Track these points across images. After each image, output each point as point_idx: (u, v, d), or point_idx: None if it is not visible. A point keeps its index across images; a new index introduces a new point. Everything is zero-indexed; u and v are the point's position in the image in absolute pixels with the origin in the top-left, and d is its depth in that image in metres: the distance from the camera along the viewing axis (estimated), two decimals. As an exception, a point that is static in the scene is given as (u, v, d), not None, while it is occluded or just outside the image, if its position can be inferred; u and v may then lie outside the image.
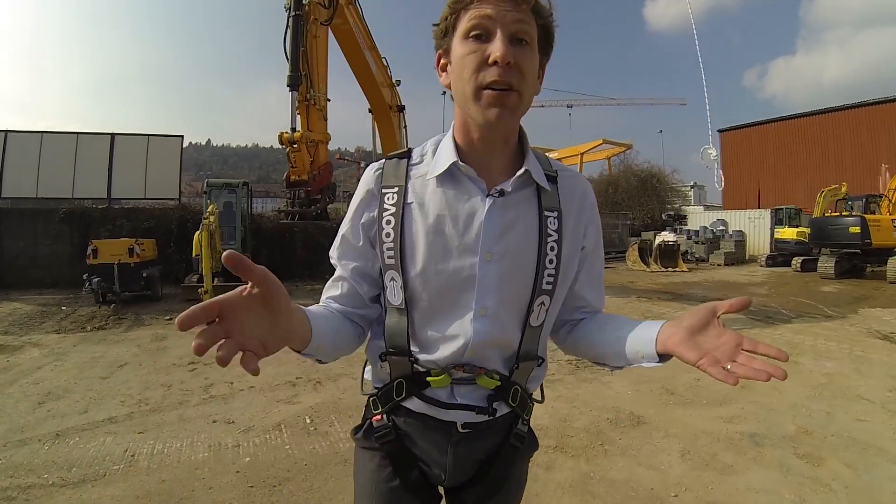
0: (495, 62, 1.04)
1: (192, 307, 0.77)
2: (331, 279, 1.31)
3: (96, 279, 11.10)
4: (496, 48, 1.04)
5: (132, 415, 4.93)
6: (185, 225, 15.12)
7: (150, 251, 13.00)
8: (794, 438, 4.32)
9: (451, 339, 1.19)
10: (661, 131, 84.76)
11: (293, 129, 8.46)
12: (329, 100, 8.99)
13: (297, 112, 8.69)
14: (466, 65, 1.07)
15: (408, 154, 1.29)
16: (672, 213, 31.91)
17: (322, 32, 8.92)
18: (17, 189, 16.67)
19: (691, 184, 47.05)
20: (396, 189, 1.22)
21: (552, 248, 1.19)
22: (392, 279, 1.21)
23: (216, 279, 12.43)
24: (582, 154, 40.83)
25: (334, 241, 1.33)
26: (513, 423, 1.30)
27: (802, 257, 19.31)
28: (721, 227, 27.12)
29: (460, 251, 1.17)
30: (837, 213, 18.49)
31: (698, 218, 31.35)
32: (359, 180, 1.32)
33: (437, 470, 1.28)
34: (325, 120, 9.09)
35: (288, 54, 8.27)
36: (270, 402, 5.27)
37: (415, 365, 1.22)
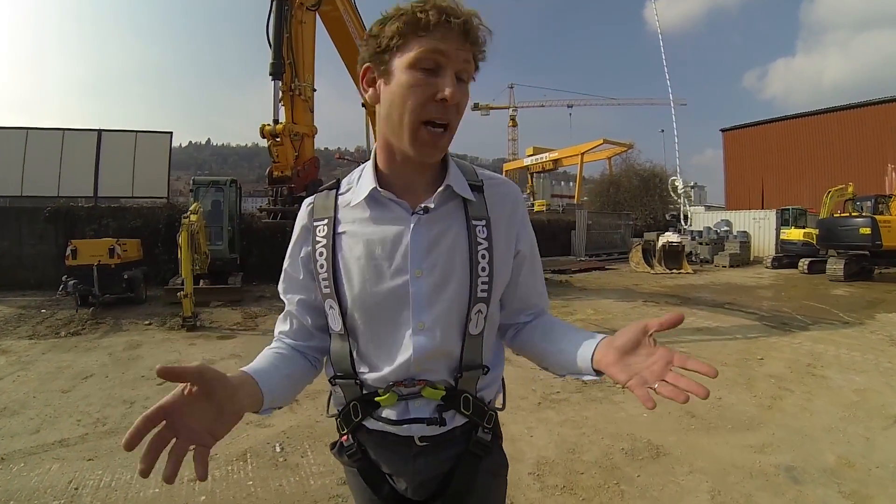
0: (443, 100, 1.08)
1: (135, 423, 0.82)
2: (281, 314, 1.36)
3: (72, 281, 10.64)
4: (446, 87, 1.07)
5: (86, 437, 4.44)
6: (174, 224, 14.37)
7: (134, 252, 12.61)
8: (836, 472, 3.76)
9: (394, 356, 1.21)
10: (662, 131, 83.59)
11: (275, 121, 7.89)
12: (315, 90, 8.45)
13: (281, 103, 8.15)
14: (411, 96, 1.08)
15: (337, 185, 1.33)
16: (675, 213, 31.36)
17: (309, 18, 8.38)
18: (1, 187, 16.32)
19: (692, 184, 46.48)
20: (326, 221, 1.26)
21: (483, 256, 1.21)
22: (331, 307, 1.24)
23: (202, 281, 12.25)
24: (582, 154, 40.61)
25: (281, 276, 1.36)
26: (472, 431, 1.30)
27: (809, 259, 18.88)
28: (725, 228, 26.50)
29: (392, 272, 1.19)
30: (847, 214, 18.02)
31: (701, 218, 30.75)
32: None
33: (402, 484, 1.31)
34: (312, 112, 8.55)
35: (271, 40, 7.74)
36: (240, 424, 4.69)
37: (363, 387, 1.25)
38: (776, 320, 9.50)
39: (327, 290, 1.23)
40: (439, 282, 1.19)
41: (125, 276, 11.29)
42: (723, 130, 44.91)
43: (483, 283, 1.20)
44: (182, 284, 11.50)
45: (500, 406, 1.38)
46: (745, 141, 42.22)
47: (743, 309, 10.85)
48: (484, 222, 1.23)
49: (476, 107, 75.19)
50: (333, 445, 1.39)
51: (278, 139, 7.91)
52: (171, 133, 17.88)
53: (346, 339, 1.25)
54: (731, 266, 21.56)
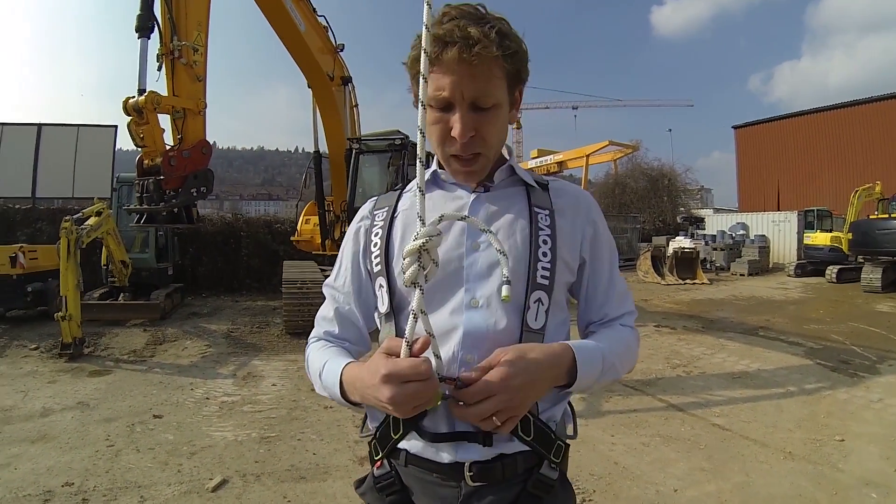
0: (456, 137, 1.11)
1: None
2: (324, 311, 1.34)
3: None
4: (455, 126, 1.09)
5: None
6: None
7: (51, 260, 10.65)
8: None
9: (442, 336, 1.09)
10: (670, 130, 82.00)
11: (141, 92, 5.76)
12: (196, 49, 6.30)
13: (160, 70, 6.09)
14: (432, 133, 1.14)
15: (402, 186, 1.36)
16: (687, 215, 29.25)
17: (192, -43, 6.38)
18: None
19: (699, 186, 44.86)
20: (386, 208, 1.30)
21: (545, 242, 1.17)
22: (380, 286, 1.22)
23: (122, 296, 10.75)
24: (588, 156, 38.84)
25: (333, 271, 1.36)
26: (535, 466, 1.13)
27: (838, 266, 17.06)
28: (741, 232, 24.26)
29: (449, 245, 1.16)
30: (886, 216, 16.09)
31: (714, 221, 28.64)
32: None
33: None
34: (202, 81, 6.45)
35: None
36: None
37: None
38: (831, 356, 7.32)
39: (378, 268, 1.22)
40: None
41: (29, 289, 9.69)
42: (735, 127, 42.52)
43: (544, 268, 1.15)
44: (100, 298, 10.37)
45: (573, 433, 1.25)
46: (758, 138, 39.79)
47: (783, 337, 8.65)
48: (547, 212, 1.22)
49: (480, 109, 76.07)
50: (359, 483, 1.26)
51: (143, 116, 5.79)
52: (116, 127, 15.82)
53: (392, 321, 1.19)
54: (749, 274, 19.48)
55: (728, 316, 11.03)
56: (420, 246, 0.95)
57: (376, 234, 1.25)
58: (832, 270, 17.00)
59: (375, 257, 1.23)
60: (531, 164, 47.68)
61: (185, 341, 8.59)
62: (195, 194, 6.30)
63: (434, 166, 1.27)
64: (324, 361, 1.20)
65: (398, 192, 1.33)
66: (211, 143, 6.88)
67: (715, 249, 21.99)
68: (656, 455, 4.23)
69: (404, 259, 0.97)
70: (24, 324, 9.58)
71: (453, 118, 1.08)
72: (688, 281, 17.27)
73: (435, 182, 1.27)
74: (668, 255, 18.53)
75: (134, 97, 5.79)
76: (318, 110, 9.44)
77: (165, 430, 4.86)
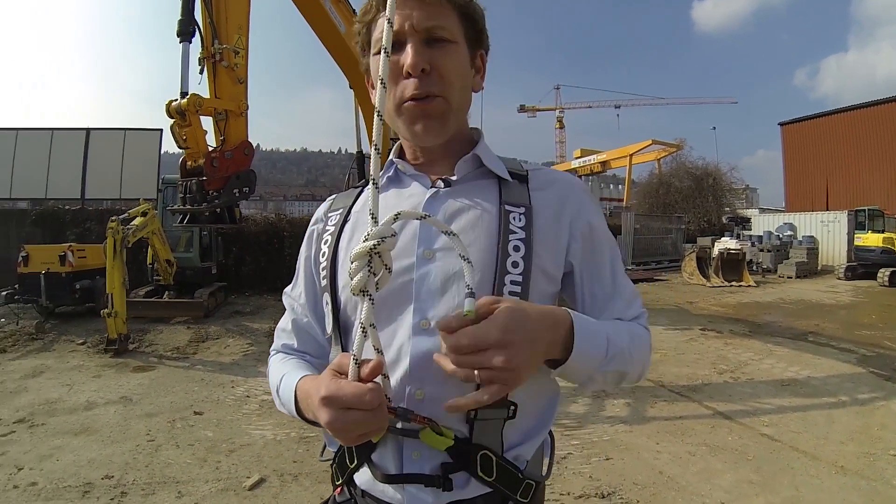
0: (409, 73, 0.98)
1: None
2: (283, 323, 1.25)
3: (6, 292, 9.77)
4: (407, 59, 0.97)
5: None
6: (161, 229, 13.52)
7: (98, 259, 11.06)
8: None
9: (390, 368, 0.95)
10: (714, 128, 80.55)
11: (183, 94, 5.88)
12: (237, 52, 6.39)
13: (202, 73, 6.23)
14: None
15: (364, 183, 1.19)
16: (733, 216, 28.51)
17: (232, -38, 6.49)
18: (-7, 189, 15.92)
19: (744, 185, 43.99)
20: (340, 210, 1.17)
21: (516, 248, 0.99)
22: (326, 303, 1.10)
23: (166, 294, 11.09)
24: (631, 155, 38.64)
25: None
26: None
27: (891, 269, 16.53)
28: (789, 233, 23.51)
29: (396, 254, 0.90)
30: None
31: (760, 222, 27.91)
32: None
33: None
34: (243, 83, 6.54)
35: None
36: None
37: None
38: (885, 364, 7.04)
39: (325, 282, 1.10)
40: (454, 269, 0.97)
41: (77, 286, 10.11)
42: (781, 124, 41.39)
43: (514, 282, 0.96)
44: (146, 296, 10.84)
45: (544, 473, 1.07)
46: (805, 135, 38.55)
47: (833, 343, 8.36)
48: (522, 210, 1.03)
49: (522, 109, 77.64)
50: None
51: (185, 118, 5.92)
52: (161, 130, 16.39)
53: (339, 344, 1.06)
54: (797, 277, 18.88)
55: (776, 320, 10.72)
56: (371, 248, 0.80)
57: (325, 242, 1.13)
58: (884, 273, 16.53)
59: (323, 269, 1.11)
60: (574, 163, 47.70)
61: (227, 339, 8.77)
62: (237, 195, 6.41)
63: (392, 155, 1.15)
64: (281, 375, 1.09)
65: (358, 189, 1.20)
66: (254, 144, 6.99)
67: (761, 251, 21.40)
68: (702, 465, 4.12)
69: (352, 263, 0.82)
70: (73, 319, 10.04)
71: (404, 54, 0.97)
72: (734, 283, 16.87)
73: (395, 180, 1.14)
74: (714, 256, 18.14)
75: (177, 100, 5.93)
76: (360, 111, 9.48)
77: (205, 426, 4.95)
